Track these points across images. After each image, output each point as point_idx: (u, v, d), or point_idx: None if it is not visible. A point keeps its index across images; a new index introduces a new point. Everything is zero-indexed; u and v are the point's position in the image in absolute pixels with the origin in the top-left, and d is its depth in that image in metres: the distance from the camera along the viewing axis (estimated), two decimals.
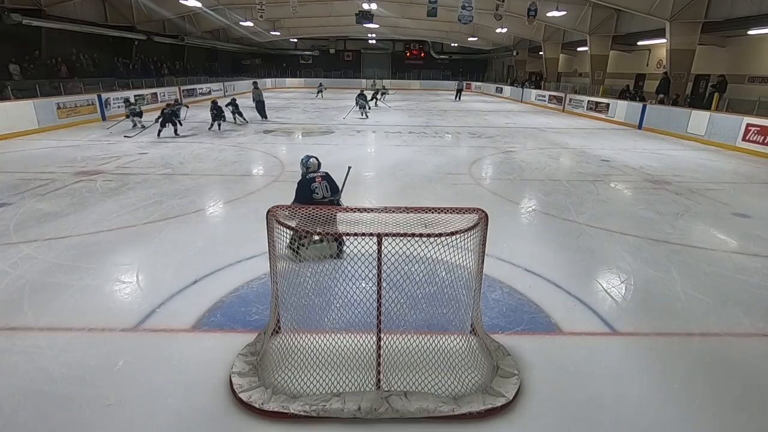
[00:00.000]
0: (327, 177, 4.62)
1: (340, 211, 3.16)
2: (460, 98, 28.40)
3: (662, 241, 5.50)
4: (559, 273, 4.54)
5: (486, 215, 2.94)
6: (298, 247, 3.44)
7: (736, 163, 10.42)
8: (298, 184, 4.56)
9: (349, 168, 4.94)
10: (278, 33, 31.57)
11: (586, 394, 2.88)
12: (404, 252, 2.73)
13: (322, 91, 28.06)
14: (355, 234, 2.71)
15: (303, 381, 2.81)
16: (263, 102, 17.24)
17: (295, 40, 38.28)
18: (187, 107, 15.80)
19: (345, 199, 4.91)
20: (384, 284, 2.78)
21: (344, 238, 4.10)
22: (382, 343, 2.84)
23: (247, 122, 15.18)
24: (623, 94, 18.13)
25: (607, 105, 18.05)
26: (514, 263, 4.72)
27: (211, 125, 13.72)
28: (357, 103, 18.32)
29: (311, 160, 4.65)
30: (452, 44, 38.29)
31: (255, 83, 19.42)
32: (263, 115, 17.03)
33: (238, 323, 3.59)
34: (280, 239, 2.98)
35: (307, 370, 2.90)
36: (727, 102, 13.17)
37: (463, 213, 2.95)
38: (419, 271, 2.90)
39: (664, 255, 5.06)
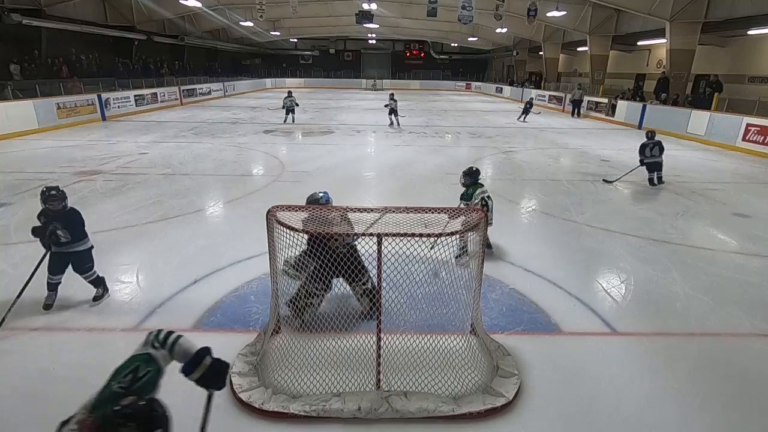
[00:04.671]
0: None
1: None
2: (525, 118, 17.91)
3: (662, 241, 5.50)
4: (559, 273, 4.54)
5: (486, 215, 2.94)
6: (303, 307, 3.23)
7: (736, 163, 10.42)
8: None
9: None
10: (278, 33, 31.56)
11: (586, 394, 2.88)
12: (404, 252, 2.73)
13: (292, 110, 15.25)
14: (355, 234, 2.71)
15: (303, 381, 2.81)
16: None
17: (295, 40, 38.27)
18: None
19: (344, 199, 4.88)
20: (384, 284, 2.78)
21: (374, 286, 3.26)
22: (382, 343, 2.84)
23: None
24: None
25: (614, 105, 17.90)
26: (514, 263, 4.72)
27: None
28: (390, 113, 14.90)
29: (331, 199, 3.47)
30: (452, 44, 38.26)
31: None
32: None
33: (238, 323, 3.59)
34: (280, 241, 2.96)
35: (307, 370, 2.89)
36: (727, 102, 13.16)
37: (463, 213, 2.95)
38: (419, 271, 2.90)
39: (665, 255, 5.06)
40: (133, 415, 1.31)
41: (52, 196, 3.55)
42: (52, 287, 3.74)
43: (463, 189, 4.95)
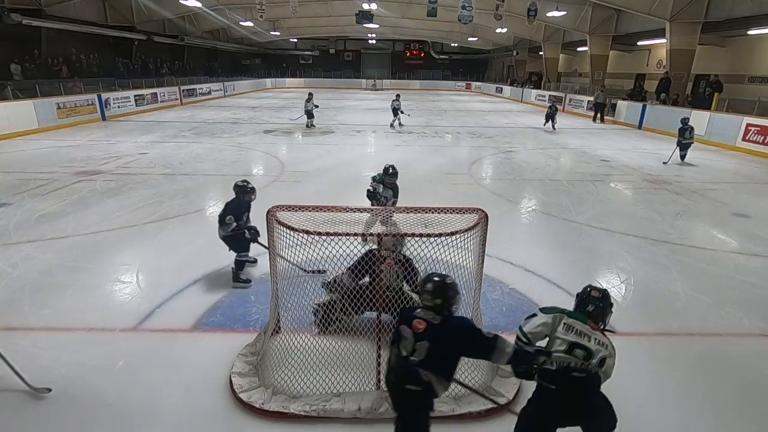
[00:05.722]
0: (407, 263, 3.09)
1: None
2: (554, 125, 15.06)
3: (662, 241, 5.50)
4: (559, 273, 4.54)
5: (486, 215, 2.94)
6: (332, 320, 3.12)
7: (736, 163, 10.42)
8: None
9: None
10: (278, 33, 31.55)
11: None
12: (404, 252, 2.73)
13: (311, 114, 14.50)
14: (356, 234, 2.71)
15: (303, 381, 2.81)
16: None
17: (295, 40, 38.24)
18: None
19: (344, 199, 4.87)
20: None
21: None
22: (382, 343, 2.83)
23: None
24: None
25: (614, 105, 17.77)
26: (514, 263, 4.71)
27: None
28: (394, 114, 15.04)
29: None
30: (452, 44, 38.23)
31: None
32: None
33: (238, 323, 3.59)
34: (280, 241, 2.96)
35: (307, 370, 2.89)
36: (727, 102, 13.16)
37: (463, 213, 2.95)
38: (419, 271, 2.90)
39: (664, 255, 5.06)
40: None
41: (253, 191, 4.09)
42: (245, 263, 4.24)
43: (383, 187, 5.15)
